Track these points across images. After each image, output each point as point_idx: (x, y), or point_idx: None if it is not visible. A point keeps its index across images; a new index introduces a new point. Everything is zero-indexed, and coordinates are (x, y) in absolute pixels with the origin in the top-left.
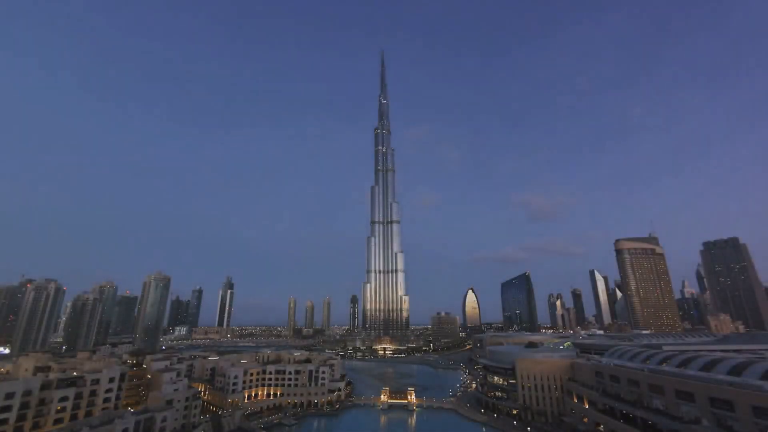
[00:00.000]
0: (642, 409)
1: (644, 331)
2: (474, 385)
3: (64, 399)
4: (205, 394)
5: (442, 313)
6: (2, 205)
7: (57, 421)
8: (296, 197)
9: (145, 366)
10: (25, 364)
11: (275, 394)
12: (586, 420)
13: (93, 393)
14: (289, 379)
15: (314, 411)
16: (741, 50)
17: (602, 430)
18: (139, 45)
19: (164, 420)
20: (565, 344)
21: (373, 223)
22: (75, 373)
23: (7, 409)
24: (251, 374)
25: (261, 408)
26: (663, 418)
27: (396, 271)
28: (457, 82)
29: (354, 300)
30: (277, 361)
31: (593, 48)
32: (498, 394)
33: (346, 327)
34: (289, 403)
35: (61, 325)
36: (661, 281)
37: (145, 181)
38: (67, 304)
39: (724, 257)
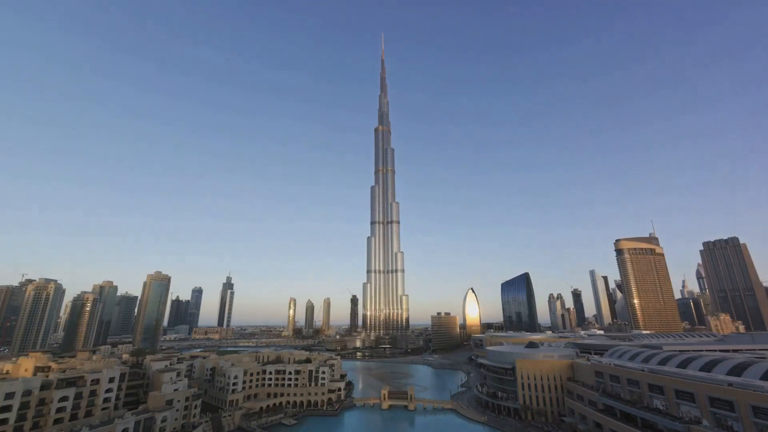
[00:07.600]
0: (642, 409)
1: (644, 331)
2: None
3: (64, 399)
4: (205, 394)
5: (442, 313)
6: (2, 203)
7: (57, 421)
8: (296, 195)
9: (145, 366)
10: (25, 364)
11: (275, 394)
12: (586, 420)
13: (93, 393)
14: (289, 379)
15: (314, 411)
16: (743, 47)
17: (602, 430)
18: None
19: (164, 420)
20: (565, 344)
21: (373, 223)
22: (75, 373)
23: (7, 409)
24: (251, 374)
25: (261, 408)
26: (663, 418)
27: (396, 271)
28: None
29: (354, 300)
30: (277, 361)
31: (602, 51)
32: (498, 394)
33: (346, 327)
34: (289, 403)
35: (61, 325)
36: (661, 281)
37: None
38: (67, 304)
39: (724, 257)
